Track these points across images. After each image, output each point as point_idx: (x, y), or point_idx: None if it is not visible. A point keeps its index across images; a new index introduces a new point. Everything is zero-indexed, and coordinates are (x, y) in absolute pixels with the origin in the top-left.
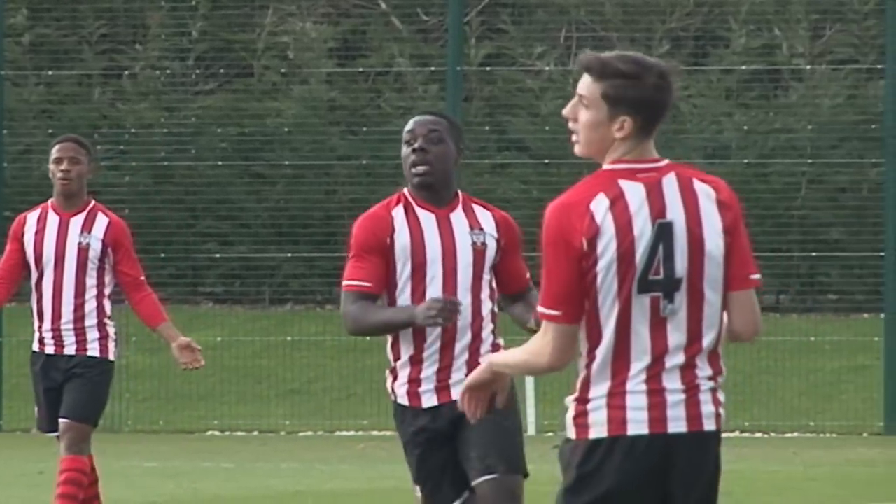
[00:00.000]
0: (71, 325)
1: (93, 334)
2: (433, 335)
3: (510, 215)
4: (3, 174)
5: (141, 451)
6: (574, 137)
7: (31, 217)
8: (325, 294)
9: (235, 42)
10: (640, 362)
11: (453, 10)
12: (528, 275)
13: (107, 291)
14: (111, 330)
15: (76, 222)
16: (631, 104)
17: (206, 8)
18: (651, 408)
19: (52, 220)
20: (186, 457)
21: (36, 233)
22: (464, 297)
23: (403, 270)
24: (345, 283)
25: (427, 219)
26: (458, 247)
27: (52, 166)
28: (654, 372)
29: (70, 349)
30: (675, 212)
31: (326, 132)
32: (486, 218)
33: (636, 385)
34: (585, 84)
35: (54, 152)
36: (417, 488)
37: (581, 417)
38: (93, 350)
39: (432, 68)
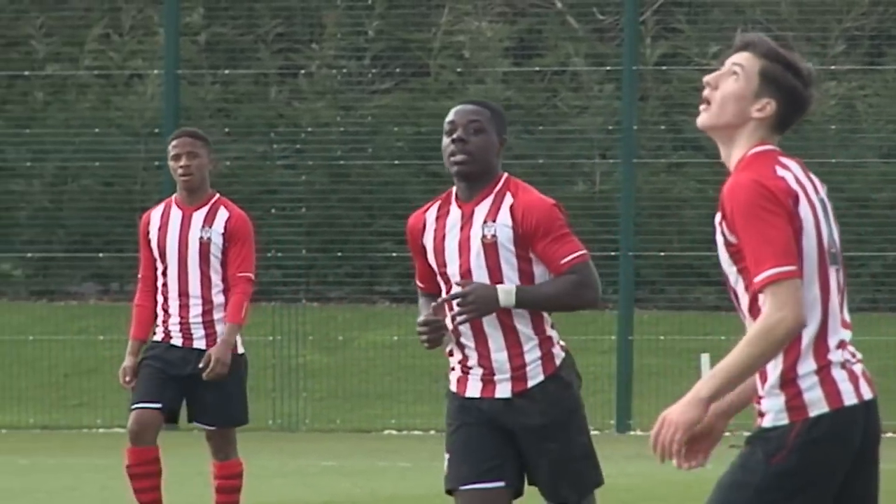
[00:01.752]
0: (200, 319)
1: (222, 327)
2: (466, 339)
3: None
4: None
5: (318, 449)
6: (703, 106)
7: (155, 213)
8: None
9: (411, 41)
10: (835, 335)
11: (629, 9)
12: (568, 257)
13: None
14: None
15: (198, 216)
16: (781, 90)
17: (383, 7)
18: (849, 377)
19: (175, 215)
20: (363, 456)
21: (159, 228)
22: None
23: (436, 273)
24: None
25: (454, 217)
26: (471, 243)
27: (171, 163)
28: (843, 343)
29: (200, 343)
30: (823, 192)
31: None
32: (505, 206)
33: (837, 356)
34: (744, 57)
35: (171, 148)
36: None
37: (796, 399)
38: None
39: (608, 67)
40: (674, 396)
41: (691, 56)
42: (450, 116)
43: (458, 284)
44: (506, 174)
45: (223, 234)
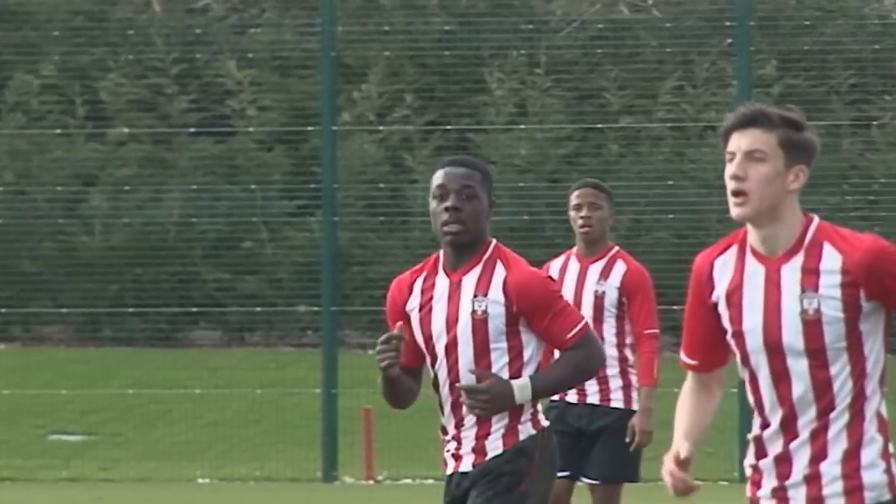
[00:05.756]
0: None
1: (615, 383)
2: (445, 409)
3: None
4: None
5: None
6: (736, 200)
7: (555, 265)
8: None
9: None
10: None
11: None
12: (572, 332)
13: (628, 340)
14: (633, 378)
15: (595, 269)
16: (804, 152)
17: None
18: None
19: (573, 268)
20: None
21: (557, 280)
22: (465, 371)
23: (420, 344)
24: None
25: (441, 286)
26: (459, 317)
27: (572, 213)
28: None
29: (593, 398)
30: None
31: None
32: (497, 280)
33: None
34: (754, 137)
35: (573, 198)
36: None
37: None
38: (616, 401)
39: None
40: None
41: None
42: (439, 180)
43: (470, 372)
44: (494, 240)
45: (618, 289)
